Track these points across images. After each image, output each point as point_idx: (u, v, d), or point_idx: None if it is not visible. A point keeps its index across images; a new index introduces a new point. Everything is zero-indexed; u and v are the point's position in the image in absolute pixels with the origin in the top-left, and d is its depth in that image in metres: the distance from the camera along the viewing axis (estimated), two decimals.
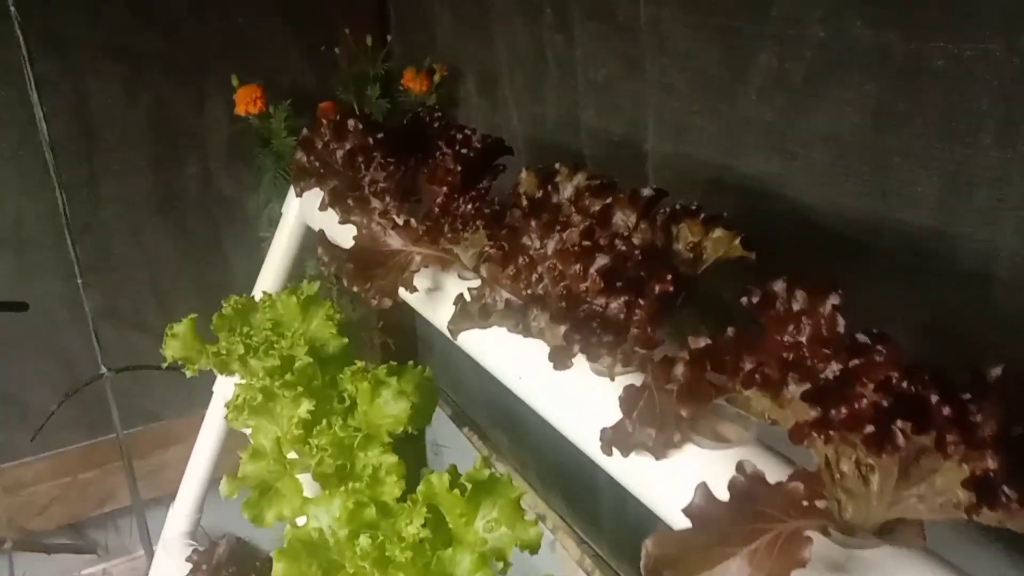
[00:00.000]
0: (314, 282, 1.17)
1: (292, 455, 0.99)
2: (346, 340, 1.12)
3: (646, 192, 0.72)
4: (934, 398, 0.46)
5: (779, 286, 0.56)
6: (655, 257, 0.67)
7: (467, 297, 0.71)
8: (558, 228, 0.68)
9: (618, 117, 1.19)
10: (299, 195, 1.01)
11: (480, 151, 0.89)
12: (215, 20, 1.79)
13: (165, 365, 1.14)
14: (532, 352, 0.71)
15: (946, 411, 0.45)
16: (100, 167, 1.79)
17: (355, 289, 0.84)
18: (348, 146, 0.95)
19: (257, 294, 1.25)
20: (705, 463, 0.62)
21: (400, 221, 0.86)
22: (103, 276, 1.84)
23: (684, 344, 0.60)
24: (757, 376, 0.54)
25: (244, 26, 1.82)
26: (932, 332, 0.79)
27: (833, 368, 0.53)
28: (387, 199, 0.88)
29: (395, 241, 0.87)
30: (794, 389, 0.53)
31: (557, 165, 0.81)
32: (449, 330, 0.75)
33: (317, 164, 0.97)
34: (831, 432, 0.49)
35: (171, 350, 1.14)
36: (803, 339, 0.55)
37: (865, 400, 0.49)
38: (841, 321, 0.53)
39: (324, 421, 0.98)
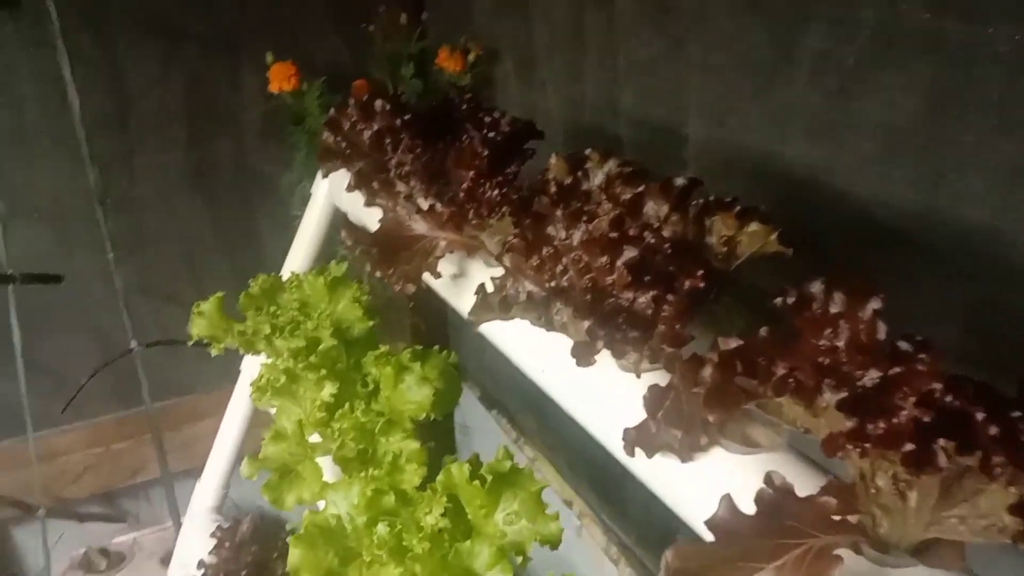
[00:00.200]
0: (342, 263, 1.16)
1: (314, 438, 0.98)
2: (372, 323, 1.11)
3: (679, 181, 0.69)
4: (980, 415, 0.42)
5: (816, 287, 0.53)
6: (686, 251, 0.64)
7: (489, 288, 0.69)
8: (585, 219, 0.65)
9: (659, 100, 1.15)
10: (325, 176, 0.99)
11: (509, 135, 0.86)
12: None
13: (191, 342, 1.14)
14: (555, 345, 0.68)
15: (992, 430, 0.41)
16: (135, 142, 1.80)
17: (378, 274, 0.82)
18: (375, 127, 0.93)
19: (285, 274, 1.24)
20: (733, 468, 0.59)
21: (425, 206, 0.84)
22: (138, 250, 1.86)
23: (714, 341, 0.57)
24: (790, 382, 0.50)
25: (280, 2, 1.80)
26: (981, 335, 0.75)
27: (871, 376, 0.50)
28: (413, 182, 0.86)
29: (420, 226, 0.85)
30: (829, 397, 0.49)
31: (588, 151, 0.78)
32: (470, 321, 0.73)
33: (344, 145, 0.95)
34: (867, 445, 0.46)
35: (198, 328, 1.14)
36: (840, 344, 0.52)
37: (904, 414, 0.45)
38: (882, 327, 0.50)
39: (347, 405, 0.97)
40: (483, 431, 2.10)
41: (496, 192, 0.79)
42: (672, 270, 0.62)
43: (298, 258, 1.36)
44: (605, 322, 0.62)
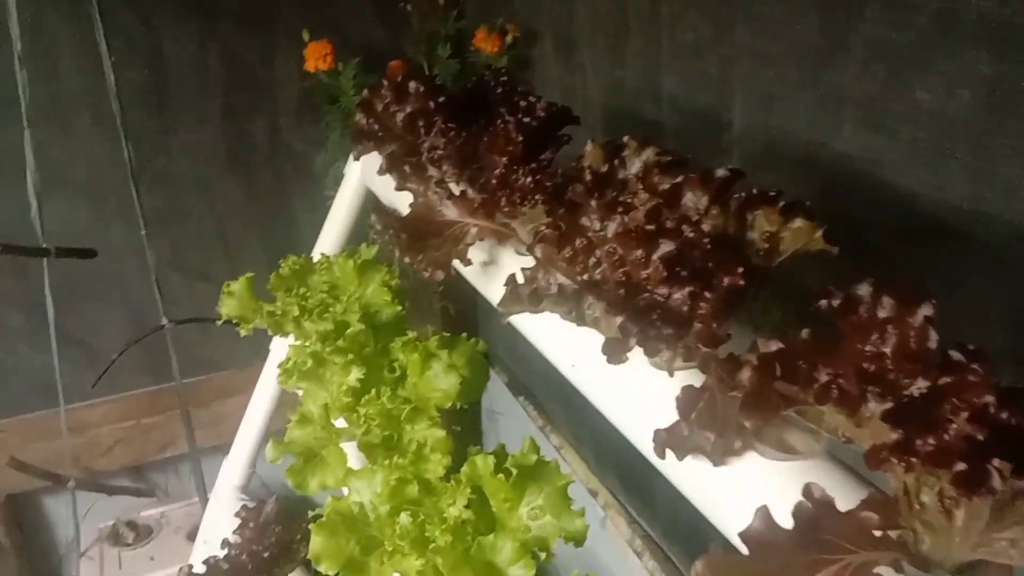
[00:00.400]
0: (372, 246, 1.15)
1: (340, 423, 0.97)
2: (400, 308, 1.10)
3: (720, 173, 0.66)
4: None
5: (864, 290, 0.50)
6: (726, 246, 0.62)
7: (519, 279, 0.67)
8: (620, 210, 0.63)
9: (703, 85, 1.12)
10: (356, 159, 0.98)
11: (544, 120, 0.84)
12: None
13: (220, 322, 1.14)
14: (586, 339, 0.66)
15: None
16: (171, 118, 1.80)
17: (407, 260, 0.81)
18: (409, 109, 0.91)
19: (316, 255, 1.24)
20: (768, 474, 0.57)
21: (457, 191, 0.82)
22: (172, 226, 1.87)
23: (753, 343, 0.55)
24: (833, 390, 0.48)
25: None
26: None
27: (919, 385, 0.47)
28: (445, 167, 0.84)
29: (451, 212, 0.83)
30: (874, 407, 0.47)
31: (625, 138, 0.75)
32: (499, 312, 0.71)
33: (376, 127, 0.93)
34: (913, 460, 0.44)
35: (227, 308, 1.13)
36: (887, 350, 0.49)
37: (955, 428, 0.43)
38: (933, 335, 0.47)
39: (373, 390, 0.96)
40: (510, 417, 2.09)
41: (529, 179, 0.77)
42: (711, 266, 0.60)
43: (330, 239, 1.35)
44: (638, 318, 0.60)
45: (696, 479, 0.61)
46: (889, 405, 0.46)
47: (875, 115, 0.85)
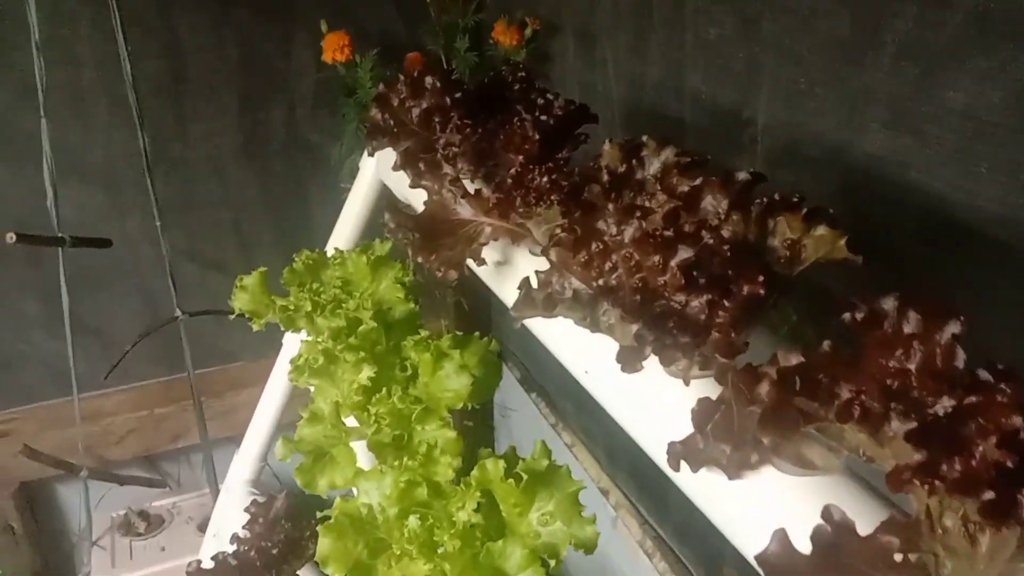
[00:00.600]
0: (386, 242, 1.13)
1: (350, 421, 0.97)
2: (413, 305, 1.08)
3: (741, 176, 0.65)
4: None
5: (889, 304, 0.48)
6: (746, 253, 0.60)
7: (533, 283, 0.65)
8: (638, 214, 0.61)
9: (728, 81, 1.10)
10: (371, 155, 0.96)
11: (562, 118, 0.82)
12: None
13: (233, 316, 1.13)
14: (600, 346, 0.65)
15: None
16: (188, 108, 1.79)
17: (420, 259, 0.80)
18: (424, 105, 0.90)
19: (330, 248, 1.23)
20: (785, 489, 0.55)
21: (471, 189, 0.80)
22: (187, 216, 1.86)
23: (773, 355, 0.53)
24: (856, 407, 0.46)
25: None
26: None
27: (944, 404, 0.45)
28: (460, 164, 0.83)
29: (465, 210, 0.81)
30: (897, 426, 0.45)
31: (644, 138, 0.73)
32: (512, 315, 0.69)
33: (391, 123, 0.92)
34: (937, 483, 0.42)
35: (240, 302, 1.13)
36: (911, 367, 0.48)
37: (981, 452, 0.41)
38: (960, 354, 0.45)
39: (384, 389, 0.95)
40: (522, 414, 2.08)
41: (545, 179, 0.75)
42: (730, 274, 0.58)
43: (344, 233, 1.34)
44: (654, 326, 0.58)
45: (710, 492, 0.59)
46: (913, 425, 0.45)
47: (904, 115, 0.83)
